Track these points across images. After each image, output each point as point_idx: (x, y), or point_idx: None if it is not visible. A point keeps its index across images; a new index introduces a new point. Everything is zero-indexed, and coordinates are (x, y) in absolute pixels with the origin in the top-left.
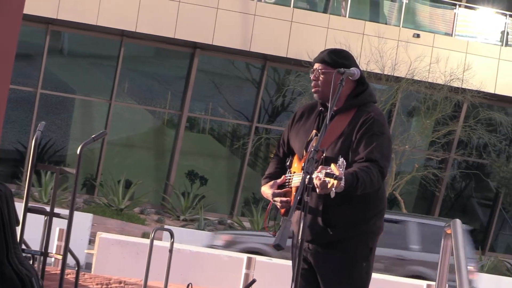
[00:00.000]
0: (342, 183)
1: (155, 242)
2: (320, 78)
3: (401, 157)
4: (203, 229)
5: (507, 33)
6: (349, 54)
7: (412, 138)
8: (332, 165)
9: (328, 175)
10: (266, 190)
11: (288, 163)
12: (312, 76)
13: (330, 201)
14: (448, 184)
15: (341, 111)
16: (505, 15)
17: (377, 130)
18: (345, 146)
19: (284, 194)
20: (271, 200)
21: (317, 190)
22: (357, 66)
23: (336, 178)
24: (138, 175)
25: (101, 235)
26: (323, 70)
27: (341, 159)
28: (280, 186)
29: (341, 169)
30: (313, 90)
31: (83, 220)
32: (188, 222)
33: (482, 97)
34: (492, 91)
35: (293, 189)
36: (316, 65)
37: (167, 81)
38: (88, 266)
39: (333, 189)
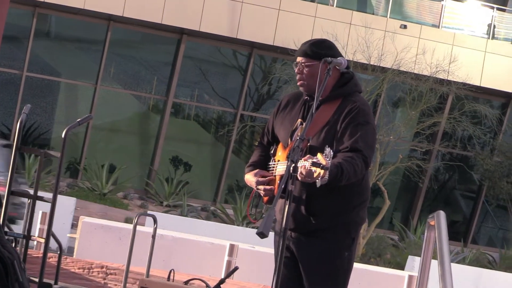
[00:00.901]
0: (327, 174)
1: (138, 228)
2: (304, 71)
3: (385, 148)
4: (186, 215)
5: (494, 26)
6: (332, 44)
7: (396, 129)
8: (319, 155)
9: (314, 164)
10: (250, 178)
11: (272, 152)
12: (296, 70)
13: (313, 190)
14: (432, 175)
15: (326, 100)
16: (492, 8)
17: (362, 119)
18: (330, 135)
19: (268, 182)
20: (255, 188)
21: (299, 178)
22: (341, 55)
23: (322, 167)
24: (122, 160)
25: (84, 219)
26: (306, 63)
27: (328, 149)
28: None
29: (327, 159)
30: (298, 83)
31: (66, 204)
32: (171, 208)
33: (468, 89)
34: (477, 84)
35: (277, 178)
36: (299, 59)
37: (153, 66)
38: (70, 250)
39: (318, 178)
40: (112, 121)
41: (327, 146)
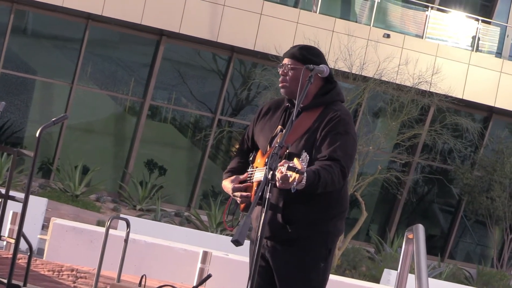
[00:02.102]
0: (304, 180)
1: (110, 231)
2: (289, 74)
3: (364, 158)
4: (159, 220)
5: (479, 38)
6: (320, 52)
7: (376, 140)
8: (295, 159)
9: (290, 168)
10: (227, 184)
11: (251, 158)
12: (280, 71)
13: (291, 198)
14: (411, 188)
15: (308, 108)
16: (478, 20)
17: (342, 129)
18: (309, 143)
19: (245, 189)
20: (231, 194)
21: (277, 184)
22: (326, 64)
23: (298, 172)
24: (96, 161)
25: (55, 220)
26: (292, 66)
27: (304, 154)
28: (242, 182)
29: (303, 164)
30: (280, 85)
31: (37, 204)
32: (145, 212)
33: (450, 101)
34: (460, 96)
35: (254, 184)
36: (286, 60)
37: (131, 67)
38: (40, 252)
39: (294, 183)
40: (87, 122)
41: (303, 151)
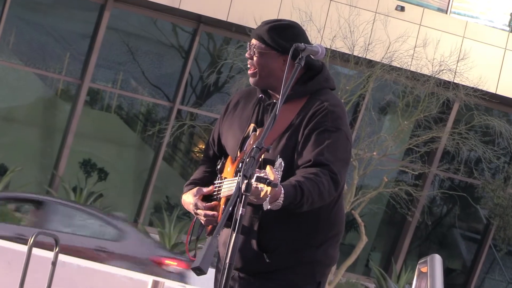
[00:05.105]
0: (282, 197)
1: (34, 251)
2: (255, 58)
3: (366, 167)
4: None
5: None
6: (298, 32)
7: (382, 143)
8: (268, 167)
9: (259, 179)
10: (188, 198)
11: (219, 167)
12: (247, 53)
13: (268, 219)
14: (425, 207)
15: (288, 99)
16: None
17: (330, 124)
18: (289, 145)
19: (212, 207)
20: (193, 212)
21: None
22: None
23: (270, 184)
24: (16, 159)
25: None
26: (259, 50)
27: (279, 160)
28: (207, 196)
29: (277, 173)
30: (249, 72)
31: None
32: None
33: (479, 97)
34: (492, 91)
35: (222, 201)
36: (253, 41)
37: (67, 38)
38: None
39: (266, 199)
40: (7, 108)
41: (278, 156)
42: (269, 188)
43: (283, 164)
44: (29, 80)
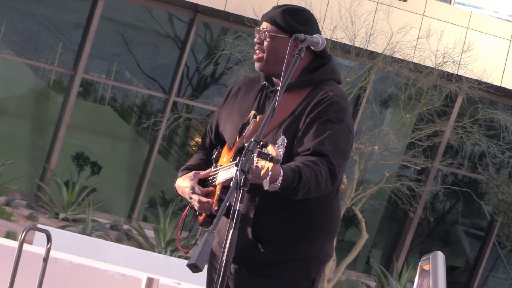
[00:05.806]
0: (280, 178)
1: (25, 246)
2: (265, 43)
3: (367, 161)
4: (89, 234)
5: None
6: (311, 16)
7: (384, 137)
8: (270, 145)
9: (261, 155)
10: (184, 183)
11: (214, 156)
12: (256, 38)
13: (265, 207)
14: (428, 203)
15: (291, 87)
16: None
17: (334, 115)
18: (290, 134)
19: (208, 192)
20: (188, 197)
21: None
22: (319, 33)
23: (272, 160)
24: (7, 152)
25: None
26: (271, 33)
27: (281, 137)
28: (203, 184)
29: (279, 150)
30: (255, 56)
31: None
32: (70, 222)
33: (484, 89)
34: (497, 83)
35: (218, 188)
36: (264, 25)
37: (59, 28)
38: None
39: (267, 177)
40: None
41: (281, 134)
42: (270, 165)
43: (285, 141)
44: (20, 71)
